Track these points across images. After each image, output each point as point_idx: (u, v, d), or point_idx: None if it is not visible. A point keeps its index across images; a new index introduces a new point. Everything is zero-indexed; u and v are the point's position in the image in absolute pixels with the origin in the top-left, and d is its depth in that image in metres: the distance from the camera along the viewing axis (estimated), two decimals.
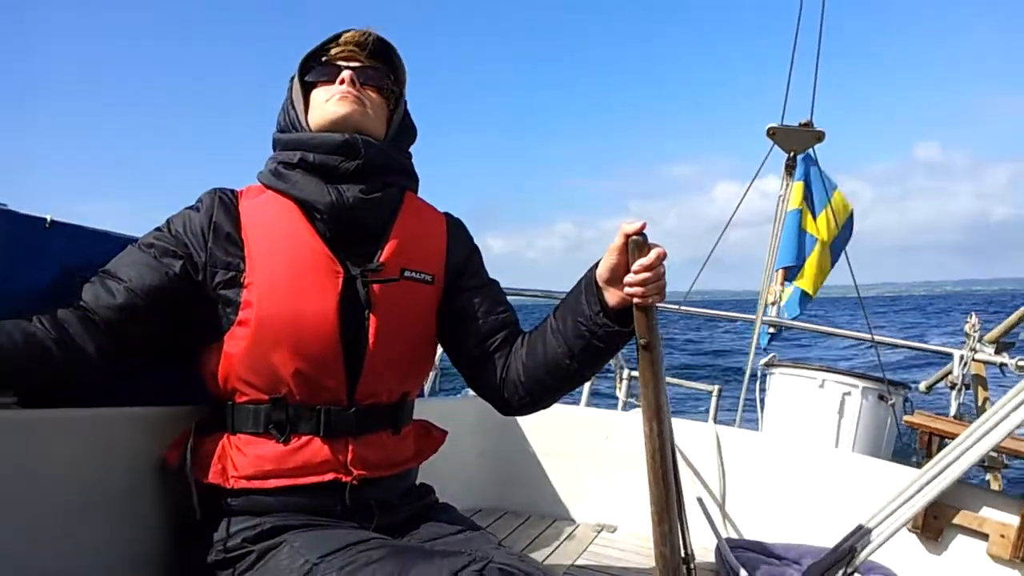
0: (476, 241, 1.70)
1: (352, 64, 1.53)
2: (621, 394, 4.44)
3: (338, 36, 1.55)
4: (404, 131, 1.60)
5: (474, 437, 2.91)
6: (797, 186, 4.52)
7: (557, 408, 3.16)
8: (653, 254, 1.30)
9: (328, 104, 1.50)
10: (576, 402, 3.72)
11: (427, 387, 3.45)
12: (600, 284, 1.40)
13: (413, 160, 1.65)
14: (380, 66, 1.57)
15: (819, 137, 4.06)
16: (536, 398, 1.56)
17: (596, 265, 1.41)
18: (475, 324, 1.59)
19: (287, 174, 1.49)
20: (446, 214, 1.69)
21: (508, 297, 1.69)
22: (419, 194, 1.65)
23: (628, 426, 2.93)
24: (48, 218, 1.52)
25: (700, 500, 2.64)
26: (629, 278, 1.32)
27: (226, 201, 1.49)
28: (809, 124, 4.03)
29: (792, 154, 4.21)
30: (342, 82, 1.50)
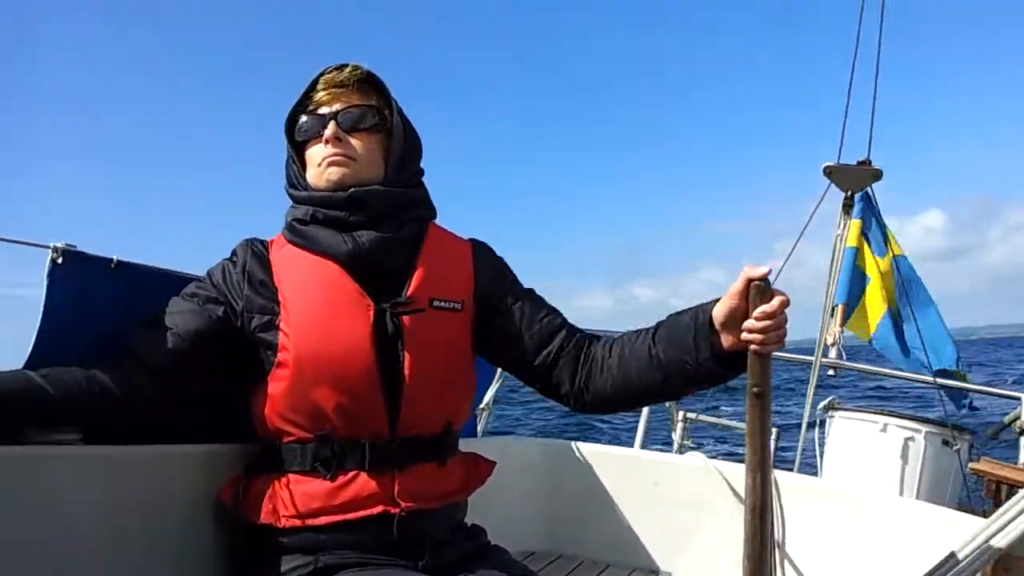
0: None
1: (335, 107, 1.52)
2: (676, 436, 4.36)
3: (315, 82, 1.54)
4: (406, 157, 1.58)
5: (525, 477, 2.88)
6: (854, 224, 4.46)
7: (612, 449, 3.14)
8: (776, 301, 1.27)
9: (320, 169, 1.52)
10: (631, 443, 3.67)
11: (479, 427, 3.44)
12: (716, 326, 1.37)
13: (424, 177, 1.64)
14: (362, 103, 1.54)
15: (876, 175, 3.99)
16: (616, 407, 1.61)
17: (708, 304, 1.38)
18: (524, 338, 1.60)
19: (303, 229, 1.53)
20: (471, 239, 1.70)
21: None
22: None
23: (683, 470, 2.87)
24: (114, 259, 1.57)
25: None
26: (749, 324, 1.29)
27: (257, 251, 1.55)
28: (867, 162, 3.97)
29: (849, 192, 4.14)
30: (327, 142, 1.50)
